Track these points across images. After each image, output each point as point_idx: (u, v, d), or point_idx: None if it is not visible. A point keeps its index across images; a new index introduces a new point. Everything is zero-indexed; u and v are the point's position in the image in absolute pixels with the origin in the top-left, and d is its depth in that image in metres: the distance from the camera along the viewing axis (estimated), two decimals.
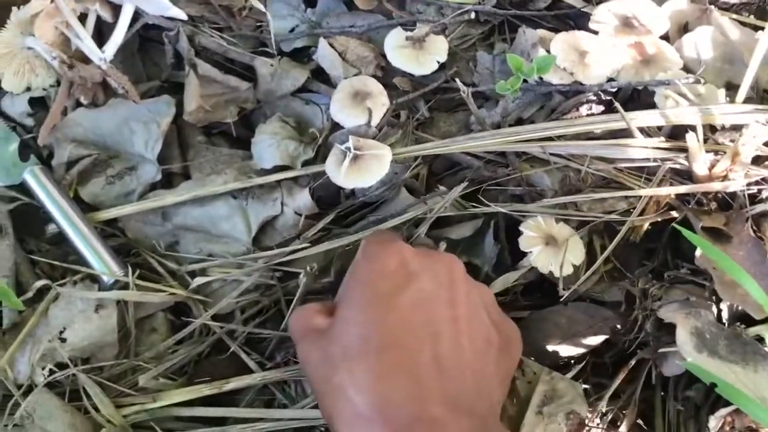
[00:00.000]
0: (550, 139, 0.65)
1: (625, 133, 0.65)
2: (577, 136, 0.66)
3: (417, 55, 0.71)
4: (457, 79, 0.68)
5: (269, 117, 0.72)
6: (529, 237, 0.60)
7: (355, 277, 0.51)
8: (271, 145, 0.67)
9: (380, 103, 0.68)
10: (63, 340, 0.63)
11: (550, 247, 0.59)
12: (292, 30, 0.76)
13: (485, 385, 0.47)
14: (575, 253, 0.60)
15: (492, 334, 0.50)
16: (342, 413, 0.44)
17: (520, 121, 0.69)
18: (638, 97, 0.70)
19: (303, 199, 0.65)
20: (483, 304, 0.52)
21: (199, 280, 0.65)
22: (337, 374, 0.45)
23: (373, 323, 0.46)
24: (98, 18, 0.73)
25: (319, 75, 0.75)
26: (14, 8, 0.71)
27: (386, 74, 0.74)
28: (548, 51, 0.68)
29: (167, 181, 0.70)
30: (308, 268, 0.58)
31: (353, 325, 0.47)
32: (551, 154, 0.65)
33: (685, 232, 0.55)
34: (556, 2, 0.78)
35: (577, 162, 0.66)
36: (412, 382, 0.44)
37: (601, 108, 0.68)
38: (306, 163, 0.67)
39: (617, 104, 0.63)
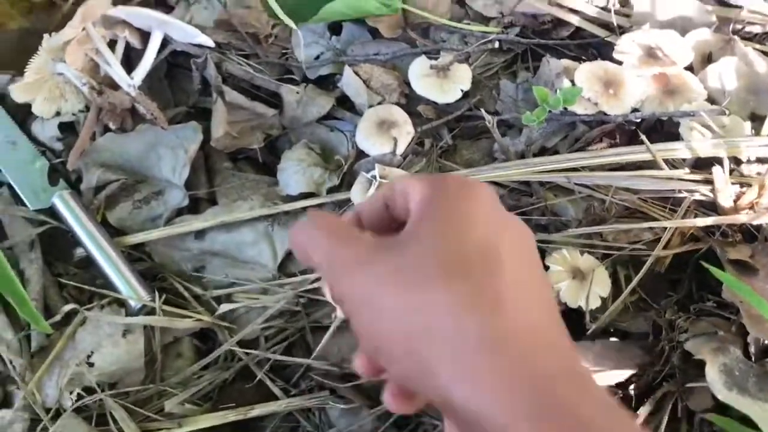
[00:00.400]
0: (574, 169, 0.65)
1: (650, 164, 0.65)
2: (602, 167, 0.66)
3: (441, 83, 0.72)
4: (481, 108, 0.69)
5: (295, 143, 0.73)
6: (556, 271, 0.60)
7: (433, 209, 0.40)
8: (296, 171, 0.68)
9: (405, 131, 0.69)
10: (90, 365, 0.64)
11: (577, 281, 0.59)
12: (318, 57, 0.77)
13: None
14: (601, 285, 0.60)
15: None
16: (440, 330, 0.34)
17: (543, 150, 0.69)
18: (662, 128, 0.71)
19: None
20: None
21: (225, 307, 0.65)
22: (431, 291, 0.35)
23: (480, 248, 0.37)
24: (126, 44, 0.74)
25: (344, 102, 0.76)
26: (46, 35, 0.72)
27: (410, 102, 0.75)
28: (572, 81, 0.69)
29: (194, 207, 0.71)
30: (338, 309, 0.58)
31: (451, 245, 0.37)
32: (576, 183, 0.65)
33: (712, 269, 0.55)
34: (578, 31, 0.78)
35: (602, 192, 0.66)
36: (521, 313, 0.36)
37: (625, 138, 0.69)
38: (331, 191, 0.68)
39: (643, 136, 0.64)
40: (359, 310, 0.36)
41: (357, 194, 0.64)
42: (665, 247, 0.63)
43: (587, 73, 0.68)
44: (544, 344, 0.36)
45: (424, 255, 0.36)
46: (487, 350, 0.34)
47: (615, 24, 0.74)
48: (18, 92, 0.72)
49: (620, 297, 0.61)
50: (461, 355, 0.34)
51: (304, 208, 0.67)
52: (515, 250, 0.39)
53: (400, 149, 0.67)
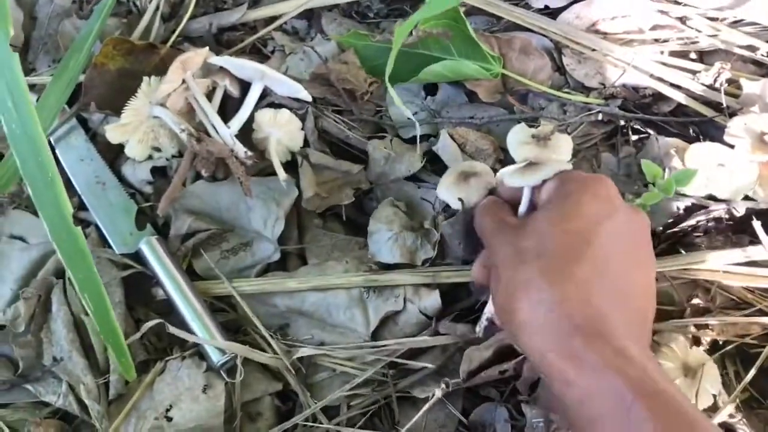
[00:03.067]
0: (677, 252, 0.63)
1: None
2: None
3: (541, 152, 0.70)
4: None
5: (380, 199, 0.72)
6: (668, 369, 0.57)
7: (563, 190, 0.53)
8: (389, 239, 0.66)
9: (484, 181, 0.67)
10: (169, 419, 0.62)
11: (689, 378, 0.56)
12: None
13: (648, 324, 0.51)
14: (711, 381, 0.57)
15: (654, 291, 0.53)
16: (526, 298, 0.48)
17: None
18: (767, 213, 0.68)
19: (431, 301, 0.64)
20: (654, 264, 0.55)
21: (304, 352, 0.64)
22: (527, 265, 0.49)
23: (575, 234, 0.49)
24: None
25: (434, 163, 0.74)
26: (145, 78, 0.73)
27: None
28: (682, 161, 0.67)
29: (281, 261, 0.70)
30: (443, 384, 0.56)
31: (556, 229, 0.50)
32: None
33: None
34: (679, 107, 0.76)
35: (707, 283, 0.63)
36: (599, 295, 0.47)
37: (734, 226, 0.66)
38: (426, 262, 0.66)
39: (757, 226, 0.61)
40: (494, 269, 0.53)
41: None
42: None
43: (698, 155, 0.66)
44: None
45: (531, 239, 0.50)
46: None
47: (725, 104, 0.72)
48: (113, 132, 0.72)
49: (732, 395, 0.58)
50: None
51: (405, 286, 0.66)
52: (610, 241, 0.49)
53: (473, 197, 0.64)
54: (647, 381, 0.42)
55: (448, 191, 0.65)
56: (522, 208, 0.59)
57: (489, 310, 0.60)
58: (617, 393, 0.42)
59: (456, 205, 0.63)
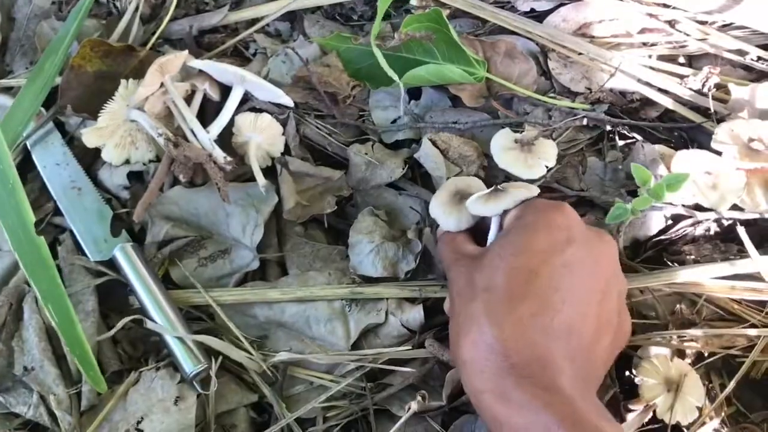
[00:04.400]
0: (665, 264, 0.61)
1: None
2: (695, 262, 0.62)
3: (525, 158, 0.68)
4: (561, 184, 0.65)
5: (361, 206, 0.70)
6: (650, 385, 0.56)
7: (521, 222, 0.53)
8: (370, 251, 0.65)
9: None
10: (140, 431, 0.61)
11: (672, 393, 0.55)
12: (394, 121, 0.75)
13: (596, 356, 0.50)
14: (695, 394, 0.55)
15: (614, 319, 0.52)
16: (469, 335, 0.48)
17: (636, 244, 0.66)
18: (755, 222, 0.66)
19: (414, 314, 0.63)
20: (618, 291, 0.54)
21: (282, 356, 0.63)
22: (475, 301, 0.49)
23: (523, 269, 0.49)
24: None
25: (416, 168, 0.73)
26: (123, 81, 0.71)
27: (488, 174, 0.72)
28: (668, 168, 0.65)
29: (260, 269, 0.68)
30: (419, 397, 0.54)
31: (505, 264, 0.50)
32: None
33: None
34: (667, 113, 0.75)
35: (692, 294, 0.62)
36: (540, 332, 0.47)
37: (721, 234, 0.65)
38: (408, 273, 0.65)
39: (743, 235, 0.60)
40: (450, 296, 0.54)
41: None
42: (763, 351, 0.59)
43: (685, 162, 0.64)
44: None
45: (483, 273, 0.51)
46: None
47: (712, 110, 0.71)
48: (89, 136, 0.70)
49: (714, 404, 0.56)
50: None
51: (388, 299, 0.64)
52: (559, 275, 0.49)
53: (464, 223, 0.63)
54: (576, 413, 0.43)
55: (438, 210, 0.64)
56: (490, 236, 0.58)
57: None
58: (544, 426, 0.42)
59: (450, 227, 0.62)
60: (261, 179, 0.68)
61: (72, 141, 0.74)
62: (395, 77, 0.68)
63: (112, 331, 0.63)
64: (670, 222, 0.66)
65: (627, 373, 0.61)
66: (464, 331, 0.48)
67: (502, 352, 0.46)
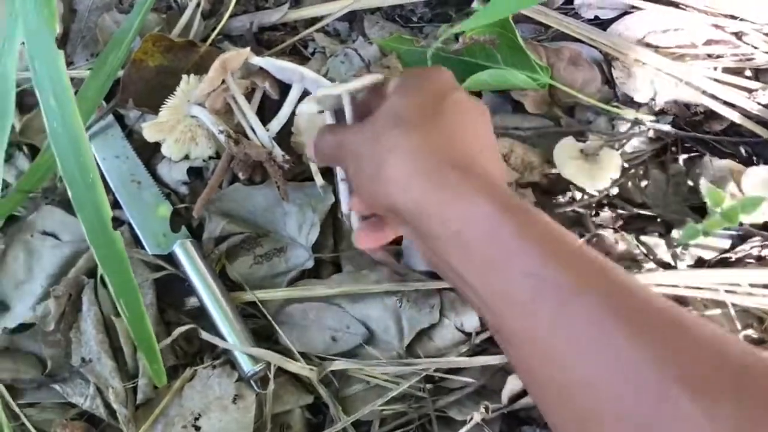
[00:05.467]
0: (736, 284, 0.60)
1: None
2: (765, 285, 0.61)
3: (590, 168, 0.68)
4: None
5: None
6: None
7: (408, 82, 0.52)
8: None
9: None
10: (197, 428, 0.61)
11: None
12: None
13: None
14: None
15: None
16: (392, 160, 0.47)
17: (701, 263, 0.64)
18: None
19: (469, 316, 0.62)
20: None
21: (336, 366, 0.62)
22: (389, 139, 0.48)
23: (427, 105, 0.49)
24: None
25: None
26: (184, 76, 0.71)
27: (550, 182, 0.71)
28: (738, 184, 0.64)
29: (315, 269, 0.68)
30: (482, 408, 0.54)
31: (406, 104, 0.49)
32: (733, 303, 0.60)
33: None
34: (733, 126, 0.74)
35: (760, 311, 0.60)
36: (458, 140, 0.48)
37: None
38: None
39: None
40: (351, 164, 0.52)
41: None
42: None
43: (756, 179, 0.63)
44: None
45: (381, 120, 0.49)
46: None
47: None
48: (149, 131, 0.70)
49: None
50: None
51: (438, 290, 0.63)
52: (458, 109, 0.49)
53: None
54: (519, 204, 0.43)
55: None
56: (348, 117, 0.57)
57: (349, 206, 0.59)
58: (489, 215, 0.42)
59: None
60: (319, 179, 0.68)
61: (131, 135, 0.75)
62: None
63: (170, 338, 0.63)
64: (736, 240, 0.65)
65: None
66: (387, 159, 0.47)
67: (438, 155, 0.46)
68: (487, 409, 0.55)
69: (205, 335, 0.63)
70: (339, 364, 0.62)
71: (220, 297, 0.65)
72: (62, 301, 0.65)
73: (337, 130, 0.57)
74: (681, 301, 0.62)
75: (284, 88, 0.72)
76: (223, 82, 0.70)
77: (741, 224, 0.62)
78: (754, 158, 0.72)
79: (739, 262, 0.64)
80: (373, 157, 0.49)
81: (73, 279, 0.66)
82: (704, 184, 0.59)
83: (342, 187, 0.60)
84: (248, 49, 0.70)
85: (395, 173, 0.47)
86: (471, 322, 0.62)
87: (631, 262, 0.65)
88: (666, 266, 0.64)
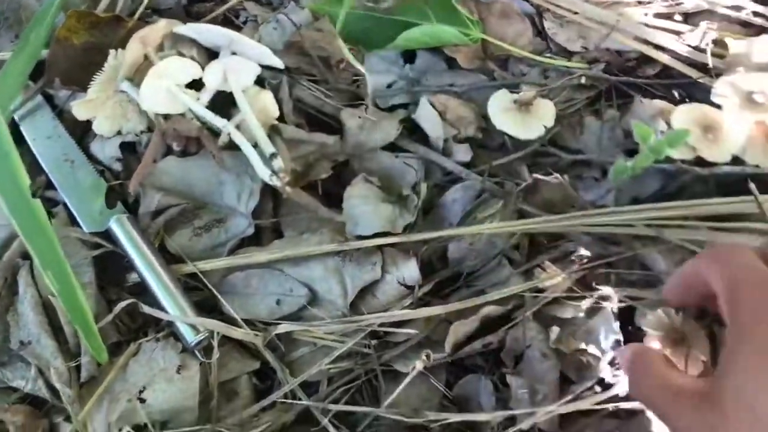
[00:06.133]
0: (669, 218, 0.61)
1: (750, 216, 0.60)
2: (697, 217, 0.61)
3: (523, 118, 0.68)
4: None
5: (357, 171, 0.69)
6: (654, 336, 0.55)
7: (746, 309, 0.37)
8: (365, 211, 0.64)
9: None
10: (142, 401, 0.60)
11: (679, 347, 0.54)
12: (390, 86, 0.74)
13: None
14: (701, 347, 0.55)
15: None
16: None
17: (635, 201, 0.65)
18: (759, 175, 0.66)
19: (409, 270, 0.62)
20: None
21: (282, 329, 0.61)
22: None
23: None
24: None
25: (414, 132, 0.72)
26: (112, 51, 0.70)
27: (486, 136, 0.71)
28: (668, 123, 0.65)
29: (255, 236, 0.68)
30: (424, 356, 0.54)
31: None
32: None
33: None
34: (665, 70, 0.74)
35: (696, 244, 0.61)
36: None
37: (723, 187, 0.64)
38: (407, 228, 0.64)
39: (752, 185, 0.59)
40: None
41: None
42: None
43: (686, 116, 0.64)
44: None
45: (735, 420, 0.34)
46: None
47: (711, 65, 0.70)
48: (79, 108, 0.69)
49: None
50: None
51: (379, 246, 0.63)
52: None
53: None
54: None
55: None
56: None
57: None
58: None
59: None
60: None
61: (62, 114, 0.73)
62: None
63: (111, 315, 0.62)
64: (671, 178, 0.65)
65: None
66: None
67: None
68: (428, 356, 0.55)
69: (146, 309, 0.62)
70: (283, 327, 0.61)
71: (161, 270, 0.64)
72: None
73: (666, 382, 0.41)
74: (614, 240, 0.62)
75: (214, 57, 0.71)
76: (146, 57, 0.69)
77: (672, 160, 0.63)
78: (686, 99, 0.72)
79: (673, 198, 0.64)
80: None
81: (7, 262, 0.65)
82: (633, 122, 0.59)
83: None
84: (164, 21, 0.69)
85: None
86: (412, 275, 0.62)
87: (570, 207, 0.65)
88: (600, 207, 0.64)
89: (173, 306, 0.63)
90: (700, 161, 0.64)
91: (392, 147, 0.70)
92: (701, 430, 0.37)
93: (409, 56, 0.76)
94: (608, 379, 0.58)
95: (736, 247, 0.40)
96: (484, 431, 0.58)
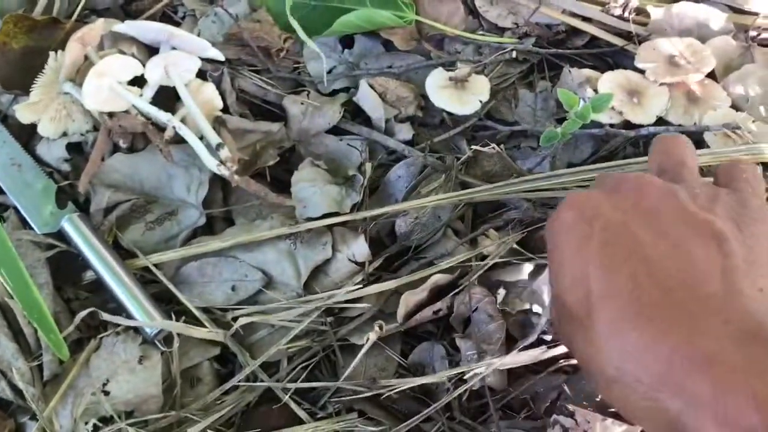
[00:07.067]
0: None
1: None
2: None
3: (459, 94, 0.70)
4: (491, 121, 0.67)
5: (304, 156, 0.71)
6: None
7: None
8: (313, 194, 0.66)
9: None
10: (106, 393, 0.61)
11: None
12: (330, 71, 0.76)
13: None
14: None
15: None
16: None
17: (570, 166, 0.68)
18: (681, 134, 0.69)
19: (359, 247, 0.64)
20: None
21: (242, 321, 0.63)
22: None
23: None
24: None
25: (357, 116, 0.74)
26: (51, 53, 0.70)
27: (426, 114, 0.74)
28: (595, 90, 0.68)
29: (208, 226, 0.69)
30: (377, 327, 0.56)
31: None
32: None
33: None
34: (593, 40, 0.77)
35: None
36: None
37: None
38: (354, 207, 0.66)
39: None
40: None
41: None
42: None
43: (611, 82, 0.67)
44: None
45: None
46: None
47: (634, 33, 0.73)
48: (23, 112, 0.69)
49: None
50: None
51: (328, 226, 0.65)
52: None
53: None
54: None
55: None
56: None
57: None
58: None
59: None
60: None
61: (6, 119, 0.73)
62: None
63: (72, 326, 0.62)
64: (601, 141, 0.68)
65: None
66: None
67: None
68: (381, 327, 0.58)
69: (106, 316, 0.63)
70: (243, 320, 0.63)
71: (116, 267, 0.65)
72: None
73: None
74: (552, 205, 0.65)
75: (154, 53, 0.72)
76: (87, 57, 0.69)
77: (601, 125, 0.66)
78: (614, 67, 0.76)
79: (608, 160, 0.67)
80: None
81: None
82: (559, 90, 0.62)
83: None
84: (101, 20, 0.70)
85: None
86: (362, 252, 0.64)
87: (509, 177, 0.68)
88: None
89: (131, 301, 0.64)
90: (627, 124, 0.67)
91: (336, 130, 0.72)
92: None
93: (347, 42, 0.78)
94: (551, 336, 0.61)
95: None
96: (439, 394, 0.61)
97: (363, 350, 0.58)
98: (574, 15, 0.77)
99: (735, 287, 0.36)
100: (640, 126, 0.66)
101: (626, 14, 0.76)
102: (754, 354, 0.32)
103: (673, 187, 0.43)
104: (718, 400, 0.31)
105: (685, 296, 0.35)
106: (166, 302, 0.66)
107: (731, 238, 0.38)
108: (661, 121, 0.67)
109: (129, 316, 0.64)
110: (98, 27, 0.70)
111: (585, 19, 0.77)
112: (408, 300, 0.61)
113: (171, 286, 0.65)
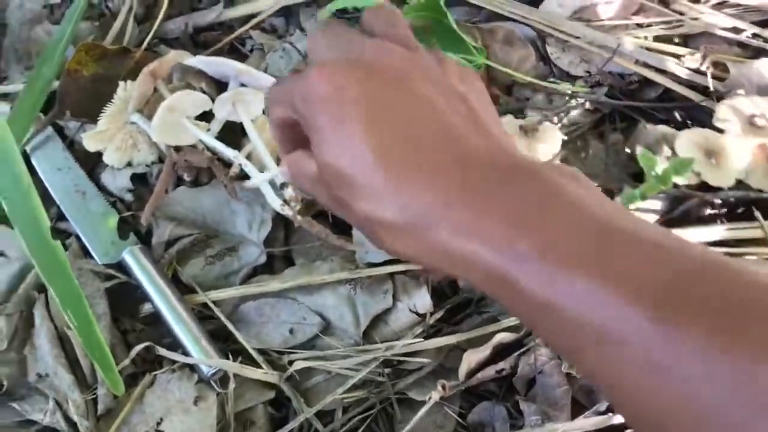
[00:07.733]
0: None
1: (758, 241, 0.62)
2: (705, 244, 0.62)
3: (530, 144, 0.69)
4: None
5: None
6: None
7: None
8: None
9: None
10: None
11: None
12: None
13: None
14: None
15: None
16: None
17: None
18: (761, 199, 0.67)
19: (421, 297, 0.63)
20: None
21: (299, 365, 0.62)
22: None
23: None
24: None
25: None
26: (121, 83, 0.71)
27: None
28: (672, 149, 0.66)
29: (267, 264, 0.68)
30: (440, 386, 0.55)
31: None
32: None
33: None
34: (666, 92, 0.76)
35: None
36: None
37: (727, 212, 0.65)
38: None
39: (758, 213, 0.60)
40: None
41: None
42: None
43: (689, 141, 0.65)
44: None
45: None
46: None
47: (712, 88, 0.71)
48: (89, 140, 0.70)
49: None
50: None
51: (390, 274, 0.64)
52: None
53: None
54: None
55: None
56: None
57: None
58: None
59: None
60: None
61: (72, 145, 0.74)
62: None
63: (128, 359, 0.62)
64: (675, 203, 0.66)
65: None
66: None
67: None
68: (444, 387, 0.56)
69: (162, 351, 0.63)
70: (299, 363, 0.62)
71: (174, 301, 0.65)
72: (14, 319, 0.64)
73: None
74: None
75: (222, 88, 0.72)
76: (156, 90, 0.70)
77: (677, 186, 0.64)
78: (688, 122, 0.74)
79: (678, 223, 0.66)
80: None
81: (23, 295, 0.65)
82: (638, 150, 0.60)
83: None
84: (172, 54, 0.70)
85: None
86: (424, 303, 0.63)
87: None
88: None
89: (187, 337, 0.63)
90: (704, 186, 0.65)
91: None
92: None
93: None
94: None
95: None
96: None
97: (424, 408, 0.57)
98: (647, 66, 0.76)
99: (492, 138, 0.39)
100: (718, 189, 0.64)
101: (703, 68, 0.74)
102: (516, 183, 0.35)
103: (413, 53, 0.42)
104: (481, 223, 0.34)
105: (456, 150, 0.38)
106: (223, 340, 0.66)
107: (469, 97, 0.41)
108: (740, 184, 0.65)
109: (185, 353, 0.63)
110: (169, 60, 0.70)
111: (659, 70, 0.75)
112: (470, 359, 0.59)
113: (229, 325, 0.65)
